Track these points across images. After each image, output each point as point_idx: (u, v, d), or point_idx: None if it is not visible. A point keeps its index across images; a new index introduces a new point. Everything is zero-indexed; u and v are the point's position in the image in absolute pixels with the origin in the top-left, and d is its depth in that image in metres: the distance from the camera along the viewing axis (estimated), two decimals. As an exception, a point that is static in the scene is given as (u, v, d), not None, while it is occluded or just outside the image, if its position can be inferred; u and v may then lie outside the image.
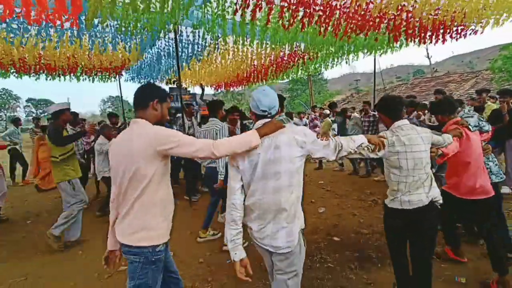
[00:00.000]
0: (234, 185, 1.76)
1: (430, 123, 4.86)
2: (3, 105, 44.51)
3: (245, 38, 4.98)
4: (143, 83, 2.42)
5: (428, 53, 39.28)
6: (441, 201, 2.18)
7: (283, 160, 1.69)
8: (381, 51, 6.48)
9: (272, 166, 1.69)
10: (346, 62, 7.44)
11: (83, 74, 7.72)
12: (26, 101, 46.99)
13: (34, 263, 3.55)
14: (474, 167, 2.67)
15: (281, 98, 3.23)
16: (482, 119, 3.04)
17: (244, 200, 1.78)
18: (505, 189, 4.62)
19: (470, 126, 2.74)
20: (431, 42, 5.34)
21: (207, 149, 1.66)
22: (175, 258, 3.50)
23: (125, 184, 1.69)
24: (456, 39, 5.35)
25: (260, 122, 1.78)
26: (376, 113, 6.49)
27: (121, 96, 10.11)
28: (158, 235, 1.76)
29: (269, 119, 1.79)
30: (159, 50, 6.82)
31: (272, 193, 1.70)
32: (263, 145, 1.70)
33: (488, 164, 2.93)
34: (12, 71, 6.78)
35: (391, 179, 2.18)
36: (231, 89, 12.55)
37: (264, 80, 9.68)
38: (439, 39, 5.26)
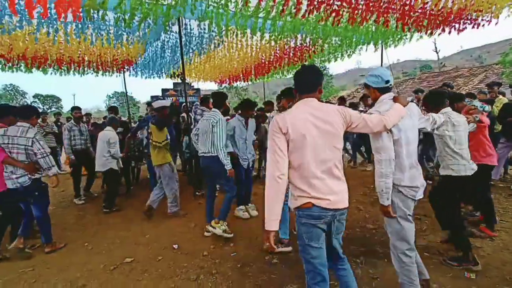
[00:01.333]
0: (389, 144, 2.10)
1: None
2: (10, 101, 44.92)
3: (246, 30, 4.93)
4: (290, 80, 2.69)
5: (436, 48, 38.71)
6: None
7: (415, 127, 2.31)
8: (390, 41, 6.34)
9: (410, 131, 2.21)
10: (352, 54, 7.35)
11: (88, 68, 7.71)
12: (33, 96, 47.36)
13: (42, 254, 3.58)
14: (489, 139, 3.59)
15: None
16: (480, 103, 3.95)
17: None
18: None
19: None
20: (442, 31, 5.23)
21: (381, 124, 2.02)
22: (179, 251, 3.53)
23: (328, 153, 1.83)
24: (468, 27, 5.23)
25: (386, 96, 2.25)
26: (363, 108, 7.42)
27: (126, 91, 10.10)
28: None
29: (395, 94, 2.29)
30: (163, 44, 6.78)
31: (413, 154, 2.25)
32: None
33: None
34: (21, 65, 6.79)
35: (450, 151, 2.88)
36: (235, 84, 12.50)
37: (266, 74, 9.62)
38: (452, 28, 5.15)
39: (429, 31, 5.35)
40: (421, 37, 5.85)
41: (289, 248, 3.34)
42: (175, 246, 3.63)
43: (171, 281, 2.90)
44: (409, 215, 2.22)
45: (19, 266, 3.32)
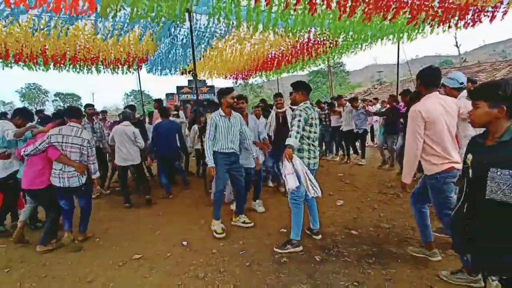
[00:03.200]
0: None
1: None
2: (33, 99, 46.48)
3: (259, 25, 4.84)
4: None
5: (456, 42, 37.39)
6: None
7: None
8: (407, 36, 6.12)
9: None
10: (369, 48, 7.15)
11: (104, 66, 7.83)
12: (54, 95, 48.78)
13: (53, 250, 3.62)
14: None
15: (308, 88, 3.42)
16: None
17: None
18: None
19: None
20: (462, 26, 5.00)
21: None
22: (188, 248, 3.51)
23: (450, 136, 2.50)
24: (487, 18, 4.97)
25: (463, 94, 3.01)
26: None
27: (141, 89, 10.23)
28: None
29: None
30: (174, 40, 6.78)
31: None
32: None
33: None
34: (40, 61, 6.96)
35: None
36: (250, 81, 12.42)
37: (279, 68, 9.51)
38: (468, 22, 4.91)
39: (446, 25, 5.12)
40: (437, 33, 5.63)
41: (300, 248, 3.27)
42: (184, 243, 3.61)
43: (178, 278, 2.86)
44: None
45: (30, 260, 3.37)
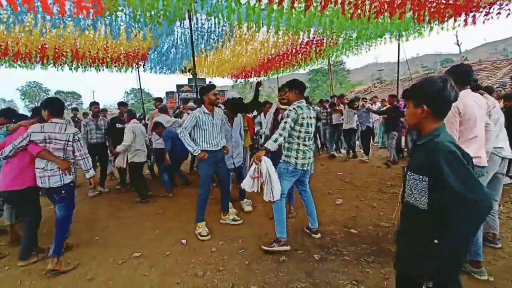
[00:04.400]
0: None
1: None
2: (33, 98, 46.47)
3: (260, 25, 4.83)
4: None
5: (457, 40, 37.24)
6: None
7: None
8: (405, 34, 6.11)
9: None
10: (369, 49, 7.15)
11: (102, 64, 7.83)
12: (55, 93, 48.76)
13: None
14: None
15: (302, 87, 3.33)
16: None
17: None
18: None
19: None
20: (463, 23, 4.98)
21: None
22: (187, 247, 3.52)
23: (481, 132, 2.54)
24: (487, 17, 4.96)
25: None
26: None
27: (141, 87, 10.22)
28: None
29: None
30: (175, 39, 6.78)
31: None
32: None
33: None
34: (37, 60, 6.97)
35: None
36: (250, 79, 12.41)
37: (282, 68, 9.49)
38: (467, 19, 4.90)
39: (447, 22, 5.10)
40: (438, 30, 5.61)
41: (286, 248, 3.21)
42: (184, 242, 3.62)
43: (178, 277, 2.87)
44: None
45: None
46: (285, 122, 3.09)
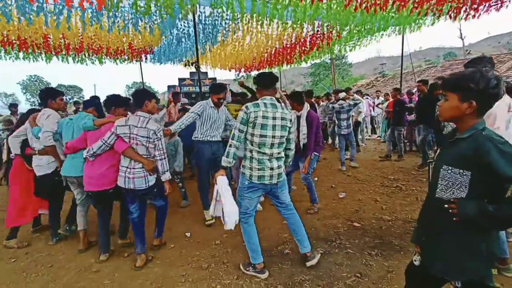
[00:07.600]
0: None
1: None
2: (35, 91, 46.44)
3: (265, 17, 4.80)
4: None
5: (461, 34, 36.95)
6: None
7: None
8: (410, 28, 6.06)
9: None
10: (374, 40, 7.09)
11: (106, 56, 7.80)
12: (56, 87, 48.68)
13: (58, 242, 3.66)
14: None
15: (264, 82, 2.70)
16: None
17: None
18: None
19: None
20: (464, 17, 4.93)
21: None
22: (191, 239, 3.54)
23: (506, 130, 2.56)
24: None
25: None
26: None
27: (142, 80, 10.21)
28: None
29: None
30: (178, 32, 6.73)
31: None
32: None
33: None
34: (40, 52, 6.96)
35: None
36: (253, 73, 12.36)
37: (287, 63, 9.45)
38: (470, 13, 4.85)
39: (451, 14, 5.05)
40: (438, 20, 5.56)
41: (264, 275, 2.72)
42: (188, 234, 3.65)
43: (182, 269, 2.90)
44: None
45: (36, 250, 3.42)
46: (234, 128, 2.57)
